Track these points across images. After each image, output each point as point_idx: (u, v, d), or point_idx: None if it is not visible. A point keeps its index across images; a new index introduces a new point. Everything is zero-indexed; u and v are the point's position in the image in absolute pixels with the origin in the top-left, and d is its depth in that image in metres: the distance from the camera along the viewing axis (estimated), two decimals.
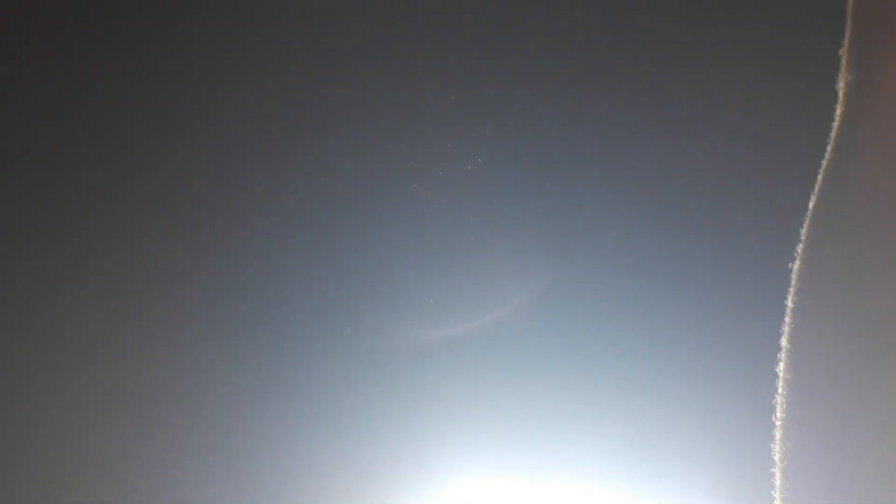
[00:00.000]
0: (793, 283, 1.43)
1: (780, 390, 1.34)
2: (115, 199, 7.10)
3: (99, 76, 6.97)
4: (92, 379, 6.88)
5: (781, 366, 1.36)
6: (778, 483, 1.31)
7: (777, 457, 1.31)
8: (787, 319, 1.41)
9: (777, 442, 1.32)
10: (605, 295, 7.35)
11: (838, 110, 1.66)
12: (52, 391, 6.64)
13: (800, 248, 1.50)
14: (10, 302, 6.57)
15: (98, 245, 6.91)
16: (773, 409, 1.39)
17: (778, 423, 1.33)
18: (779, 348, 1.45)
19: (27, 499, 6.47)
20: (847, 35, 1.59)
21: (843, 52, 1.63)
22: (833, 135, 1.64)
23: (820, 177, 1.60)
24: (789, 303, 1.41)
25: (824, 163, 1.61)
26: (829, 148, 1.61)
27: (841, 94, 1.66)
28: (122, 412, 6.94)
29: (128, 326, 7.05)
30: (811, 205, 1.56)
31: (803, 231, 1.52)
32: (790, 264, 1.48)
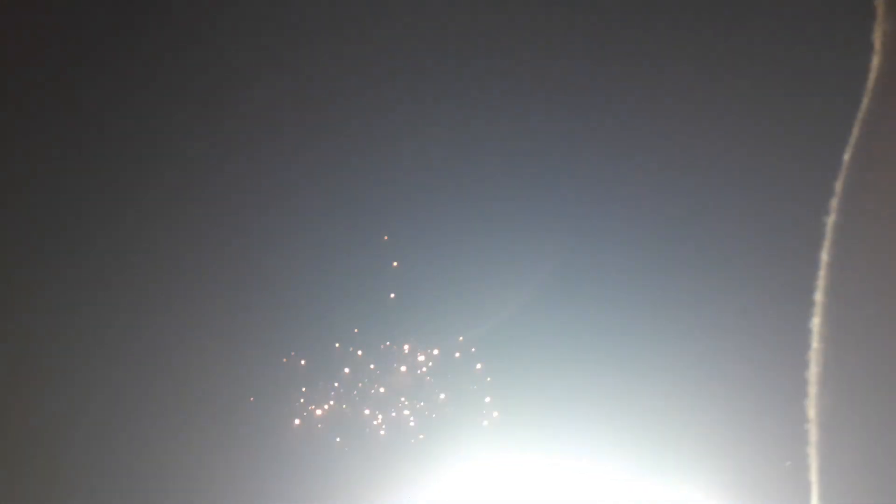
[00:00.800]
0: (828, 236, 1.36)
1: (814, 345, 1.29)
2: (131, 205, 6.88)
3: (108, 85, 6.85)
4: (92, 378, 6.68)
5: (816, 321, 1.31)
6: (814, 438, 1.25)
7: (813, 412, 1.26)
8: (822, 273, 1.35)
9: (812, 398, 1.27)
10: (615, 284, 6.96)
11: (875, 60, 1.58)
12: (54, 391, 6.48)
13: (835, 202, 1.43)
14: (11, 304, 6.46)
15: (103, 249, 6.75)
16: (802, 371, 1.33)
17: (813, 379, 1.27)
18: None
19: (31, 497, 6.28)
20: None
21: (880, 1, 1.55)
22: (870, 84, 1.56)
23: (856, 127, 1.53)
24: (825, 256, 1.35)
25: (860, 114, 1.53)
26: (865, 100, 1.53)
27: (878, 43, 1.58)
28: (127, 410, 6.71)
29: (139, 327, 6.83)
30: (847, 156, 1.49)
31: (839, 182, 1.45)
32: (825, 217, 1.42)
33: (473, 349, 8.45)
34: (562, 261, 8.11)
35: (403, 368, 8.61)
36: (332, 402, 8.41)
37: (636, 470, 7.57)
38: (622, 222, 7.93)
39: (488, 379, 8.46)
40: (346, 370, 8.58)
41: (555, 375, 8.15)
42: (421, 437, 8.24)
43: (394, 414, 8.38)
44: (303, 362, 8.42)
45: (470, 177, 8.13)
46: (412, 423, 8.36)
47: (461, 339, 8.49)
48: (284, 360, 8.11)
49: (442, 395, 8.53)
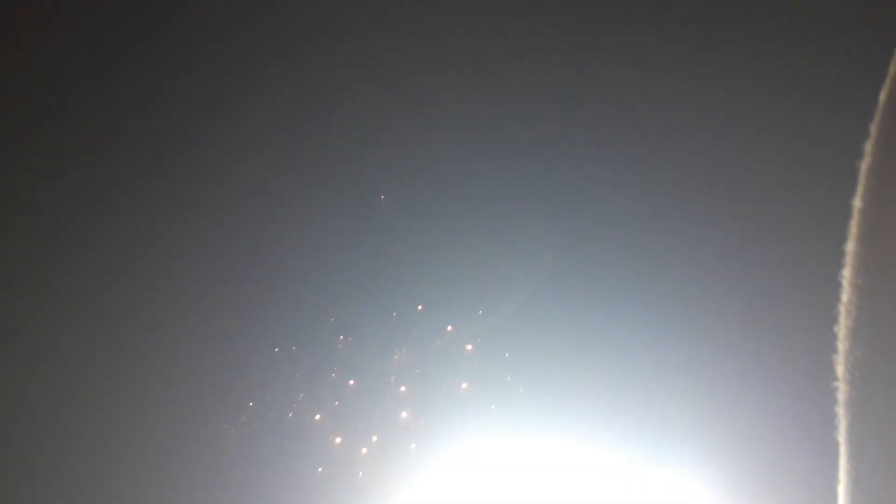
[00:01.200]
0: (861, 181, 1.27)
1: (845, 298, 1.19)
2: (137, 206, 7.18)
3: (109, 85, 7.10)
4: (91, 376, 6.99)
5: (847, 272, 1.21)
6: (844, 397, 1.16)
7: (841, 368, 1.17)
8: (855, 221, 1.25)
9: (842, 354, 1.17)
10: (620, 276, 7.08)
11: None
12: (53, 390, 6.76)
13: (870, 144, 1.35)
14: (11, 304, 6.76)
15: (103, 248, 7.01)
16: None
17: (843, 334, 1.18)
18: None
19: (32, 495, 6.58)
20: None
21: None
22: None
23: (893, 65, 1.44)
24: (858, 203, 1.25)
25: (891, 66, 1.45)
26: None
27: None
28: (125, 409, 7.01)
29: (142, 328, 7.12)
30: (882, 96, 1.39)
31: (874, 124, 1.36)
32: (857, 161, 1.33)
33: (473, 345, 8.60)
34: (566, 255, 8.23)
35: (402, 364, 8.76)
36: (331, 403, 8.59)
37: (639, 465, 7.64)
38: (627, 214, 8.02)
39: (486, 372, 8.58)
40: (343, 368, 8.74)
41: (556, 372, 8.29)
42: (420, 424, 8.39)
43: (389, 411, 8.53)
44: (299, 359, 8.62)
45: (468, 175, 8.30)
46: (408, 422, 8.51)
47: (460, 334, 8.61)
48: (277, 348, 8.28)
49: (440, 390, 8.67)
